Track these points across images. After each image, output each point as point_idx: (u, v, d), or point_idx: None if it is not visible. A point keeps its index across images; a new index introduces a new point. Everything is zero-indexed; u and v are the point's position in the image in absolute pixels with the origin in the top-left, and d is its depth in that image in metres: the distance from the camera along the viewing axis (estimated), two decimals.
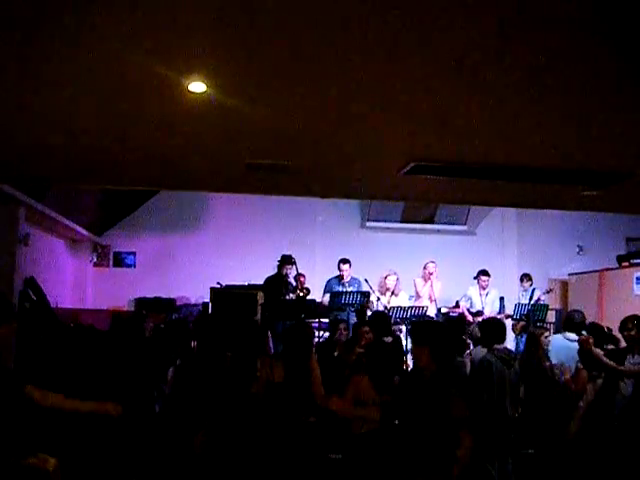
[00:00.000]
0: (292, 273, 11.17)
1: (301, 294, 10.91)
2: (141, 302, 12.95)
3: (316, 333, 11.07)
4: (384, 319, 8.79)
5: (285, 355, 6.71)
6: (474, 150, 6.75)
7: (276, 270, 11.24)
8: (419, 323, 5.99)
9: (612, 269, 13.08)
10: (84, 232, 12.72)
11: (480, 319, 11.48)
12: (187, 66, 4.59)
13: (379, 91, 5.11)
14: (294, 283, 11.10)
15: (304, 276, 11.34)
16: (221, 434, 5.95)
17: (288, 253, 11.20)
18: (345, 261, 11.27)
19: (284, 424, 6.25)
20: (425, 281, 11.77)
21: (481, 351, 7.54)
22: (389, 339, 8.32)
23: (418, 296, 11.77)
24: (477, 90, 5.06)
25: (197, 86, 4.87)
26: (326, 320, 10.86)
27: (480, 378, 6.93)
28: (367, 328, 7.96)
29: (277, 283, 11.11)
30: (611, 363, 6.80)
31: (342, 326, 8.86)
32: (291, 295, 11.04)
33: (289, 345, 6.75)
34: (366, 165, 7.37)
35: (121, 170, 7.89)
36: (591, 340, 7.22)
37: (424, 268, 11.77)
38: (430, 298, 11.61)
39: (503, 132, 6.18)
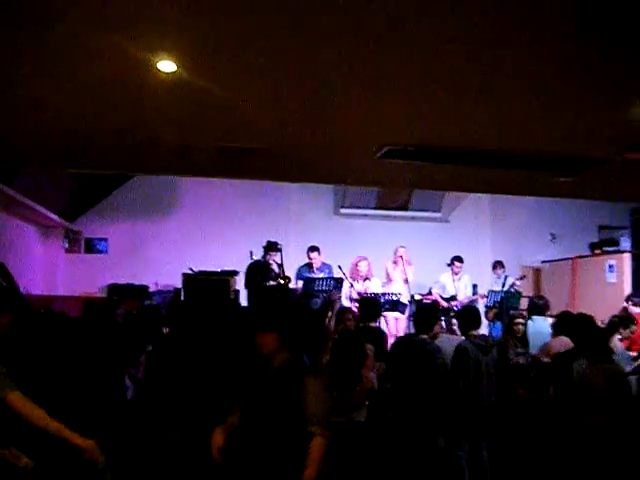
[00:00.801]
0: (277, 260, 11.03)
1: (282, 282, 10.81)
2: (113, 288, 12.81)
3: None
4: (372, 305, 8.38)
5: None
6: (449, 135, 6.73)
7: (252, 257, 11.12)
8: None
9: (585, 257, 13.17)
10: (55, 218, 12.54)
11: (454, 304, 11.56)
12: (156, 44, 4.50)
13: (353, 74, 5.07)
14: (277, 270, 10.98)
15: None
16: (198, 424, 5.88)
17: (273, 240, 11.09)
18: (314, 249, 11.23)
19: None
20: (396, 265, 11.73)
21: (450, 338, 7.57)
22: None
23: (389, 280, 11.73)
24: (452, 75, 5.04)
25: (167, 65, 4.79)
26: None
27: (456, 365, 6.90)
28: (350, 315, 7.67)
29: (259, 269, 11.03)
30: None
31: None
32: (272, 282, 10.94)
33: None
34: (340, 149, 7.32)
35: (91, 153, 7.78)
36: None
37: (395, 252, 11.74)
38: (405, 280, 11.58)
39: (478, 117, 6.17)
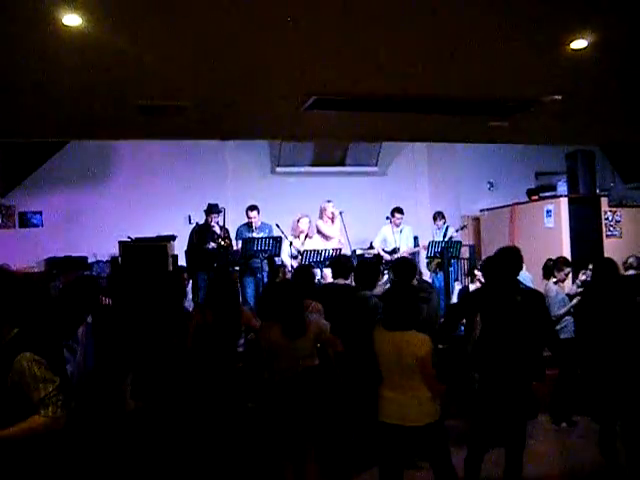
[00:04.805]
0: (219, 222, 10.92)
1: (222, 243, 10.71)
2: (52, 262, 12.59)
3: None
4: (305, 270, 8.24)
5: (211, 303, 6.58)
6: (377, 83, 6.65)
7: (191, 222, 11.01)
8: None
9: (522, 203, 13.27)
10: None
11: (396, 257, 11.49)
12: None
13: (274, 22, 4.92)
14: (218, 232, 10.85)
15: None
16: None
17: (214, 202, 11.02)
18: (253, 208, 11.14)
19: (211, 370, 6.15)
20: (326, 222, 11.54)
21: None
22: None
23: (326, 238, 11.53)
24: (377, 21, 4.95)
25: (71, 19, 4.58)
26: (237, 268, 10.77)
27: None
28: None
29: (201, 232, 10.95)
30: None
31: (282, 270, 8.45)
32: (212, 245, 10.82)
33: (214, 293, 6.62)
34: (265, 101, 7.15)
35: (7, 119, 7.49)
36: None
37: (323, 210, 11.55)
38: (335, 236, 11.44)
39: (405, 64, 6.11)
